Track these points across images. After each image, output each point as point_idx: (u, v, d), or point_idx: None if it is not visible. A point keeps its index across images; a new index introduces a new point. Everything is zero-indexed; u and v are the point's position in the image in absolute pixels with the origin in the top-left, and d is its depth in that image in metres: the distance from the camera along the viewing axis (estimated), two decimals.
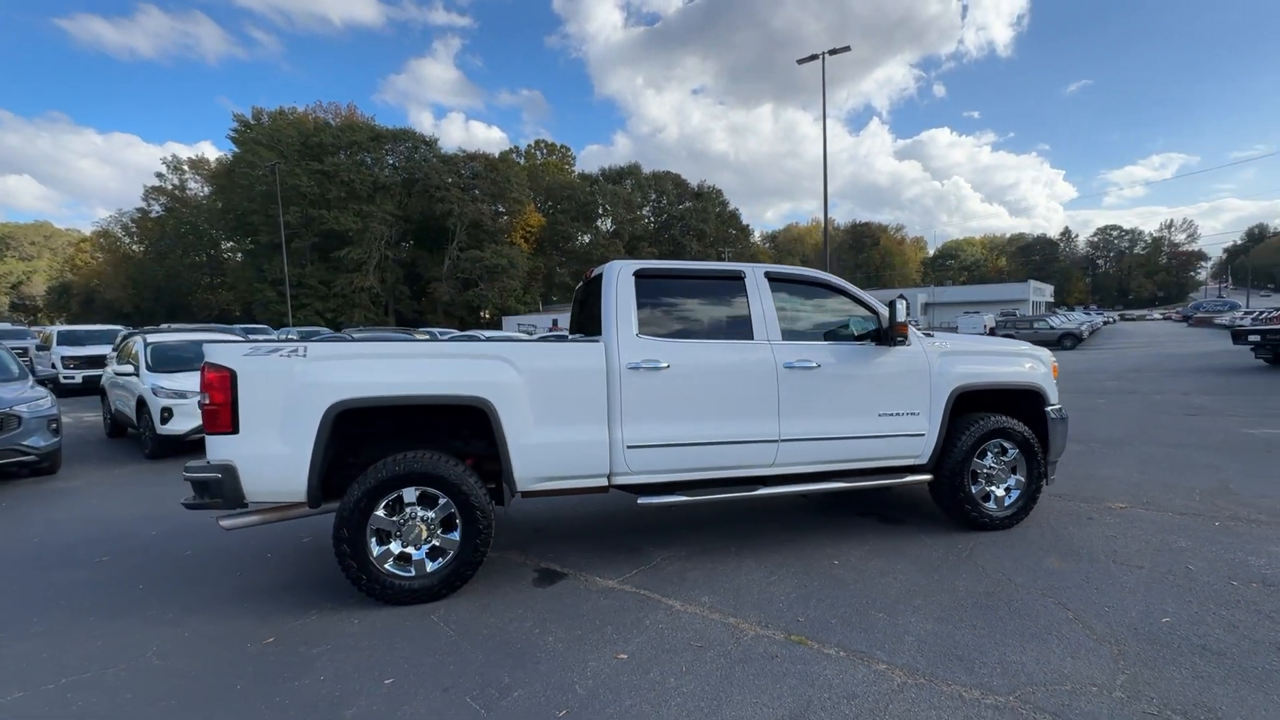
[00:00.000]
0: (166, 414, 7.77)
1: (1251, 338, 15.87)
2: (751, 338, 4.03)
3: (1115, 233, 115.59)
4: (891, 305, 4.07)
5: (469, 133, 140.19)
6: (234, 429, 3.25)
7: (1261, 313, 37.83)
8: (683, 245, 70.14)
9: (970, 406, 4.46)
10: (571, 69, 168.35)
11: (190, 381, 8.18)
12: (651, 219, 71.63)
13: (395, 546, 3.46)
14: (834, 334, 4.29)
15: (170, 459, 8.03)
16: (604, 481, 3.78)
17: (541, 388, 3.61)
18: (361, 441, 3.72)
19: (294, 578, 3.94)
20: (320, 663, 2.86)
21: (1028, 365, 4.61)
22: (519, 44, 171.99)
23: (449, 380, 3.49)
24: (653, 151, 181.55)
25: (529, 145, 73.54)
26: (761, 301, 4.11)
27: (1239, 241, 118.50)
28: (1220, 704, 2.36)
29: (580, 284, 5.09)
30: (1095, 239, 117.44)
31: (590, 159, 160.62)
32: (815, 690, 2.53)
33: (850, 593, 3.46)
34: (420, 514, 3.48)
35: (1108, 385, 13.11)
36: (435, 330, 22.87)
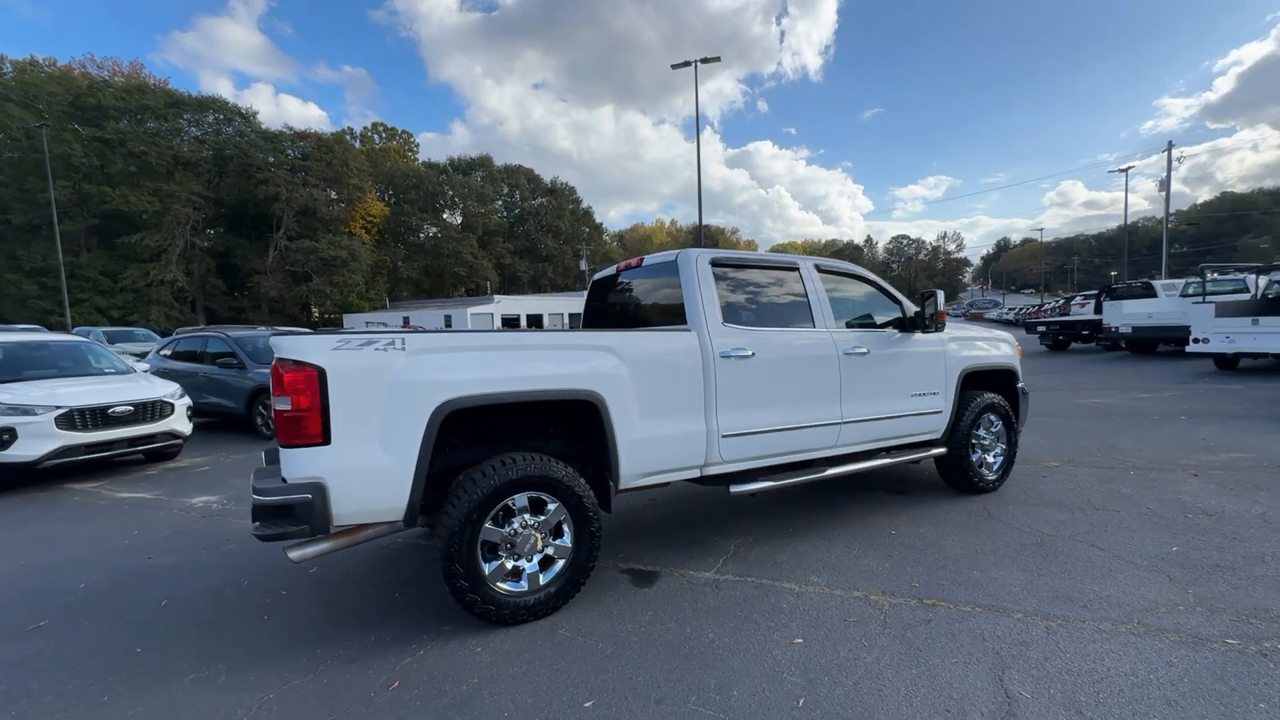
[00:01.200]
0: (7, 436, 6.04)
1: (1040, 328, 19.74)
2: (813, 325, 4.21)
3: (905, 241, 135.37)
4: (934, 296, 4.51)
5: (280, 107, 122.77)
6: (325, 439, 2.70)
7: (1022, 308, 46.81)
8: (537, 242, 69.15)
9: (966, 386, 5.07)
10: (401, 49, 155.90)
11: (36, 393, 6.46)
12: (504, 213, 69.48)
13: (509, 561, 3.11)
14: (855, 323, 4.61)
15: (12, 492, 6.25)
16: (697, 473, 3.72)
17: (645, 378, 3.46)
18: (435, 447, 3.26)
19: (341, 612, 3.35)
20: (484, 698, 2.50)
21: (1005, 348, 5.36)
22: (337, 14, 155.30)
23: (563, 373, 3.21)
24: (494, 144, 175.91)
25: (365, 128, 67.29)
26: (817, 292, 4.32)
27: (991, 251, 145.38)
28: (1269, 604, 3.00)
29: (608, 275, 4.91)
30: (890, 246, 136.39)
31: (427, 148, 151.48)
32: (991, 642, 2.77)
33: (931, 557, 3.79)
34: (531, 522, 3.16)
35: None
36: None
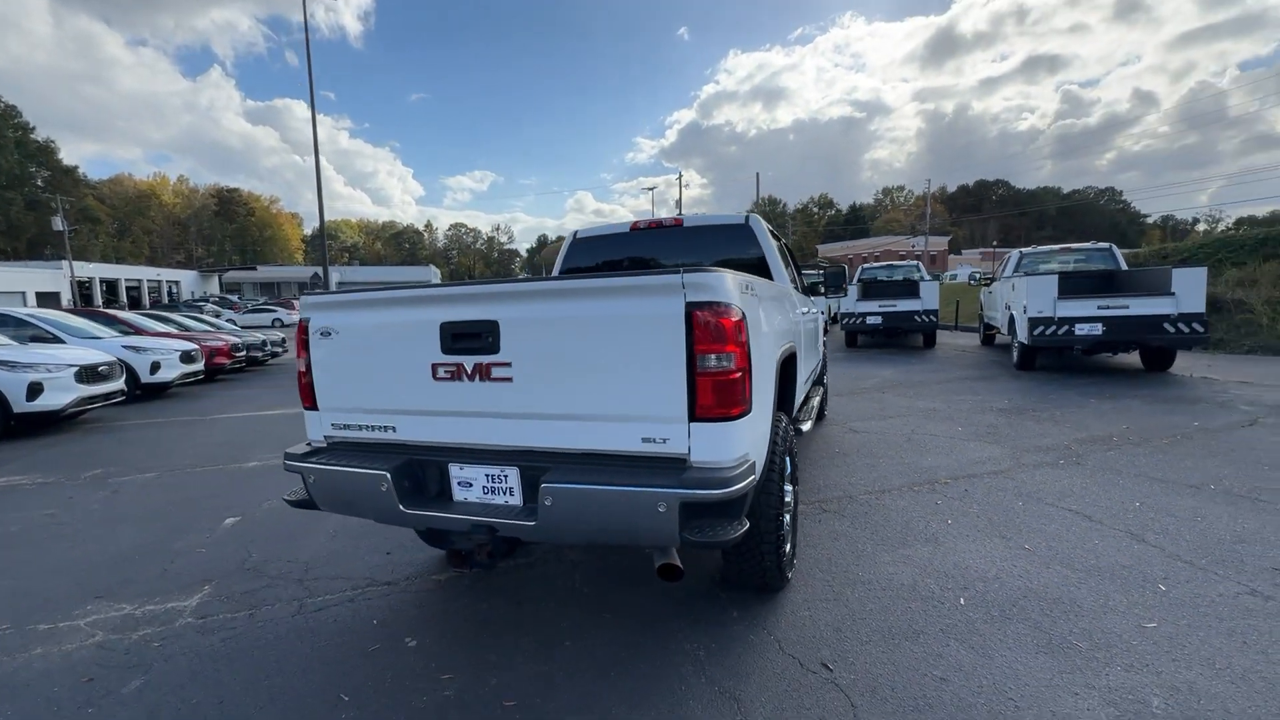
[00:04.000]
0: None
1: None
2: (794, 290, 5.02)
3: (464, 229, 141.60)
4: (842, 269, 5.84)
5: None
6: (749, 406, 2.13)
7: None
8: None
9: None
10: None
11: None
12: None
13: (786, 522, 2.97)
14: None
15: None
16: (793, 412, 4.11)
17: (798, 328, 3.68)
18: None
19: (624, 651, 2.52)
20: (945, 630, 2.55)
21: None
22: None
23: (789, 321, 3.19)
24: None
25: None
26: (787, 263, 5.12)
27: (533, 245, 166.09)
28: (1038, 443, 5.44)
29: (612, 233, 4.54)
30: (450, 233, 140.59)
31: None
32: (1051, 487, 4.25)
33: (891, 458, 5.14)
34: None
35: None
36: None
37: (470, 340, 2.26)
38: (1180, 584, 2.88)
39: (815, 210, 78.08)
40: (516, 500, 2.30)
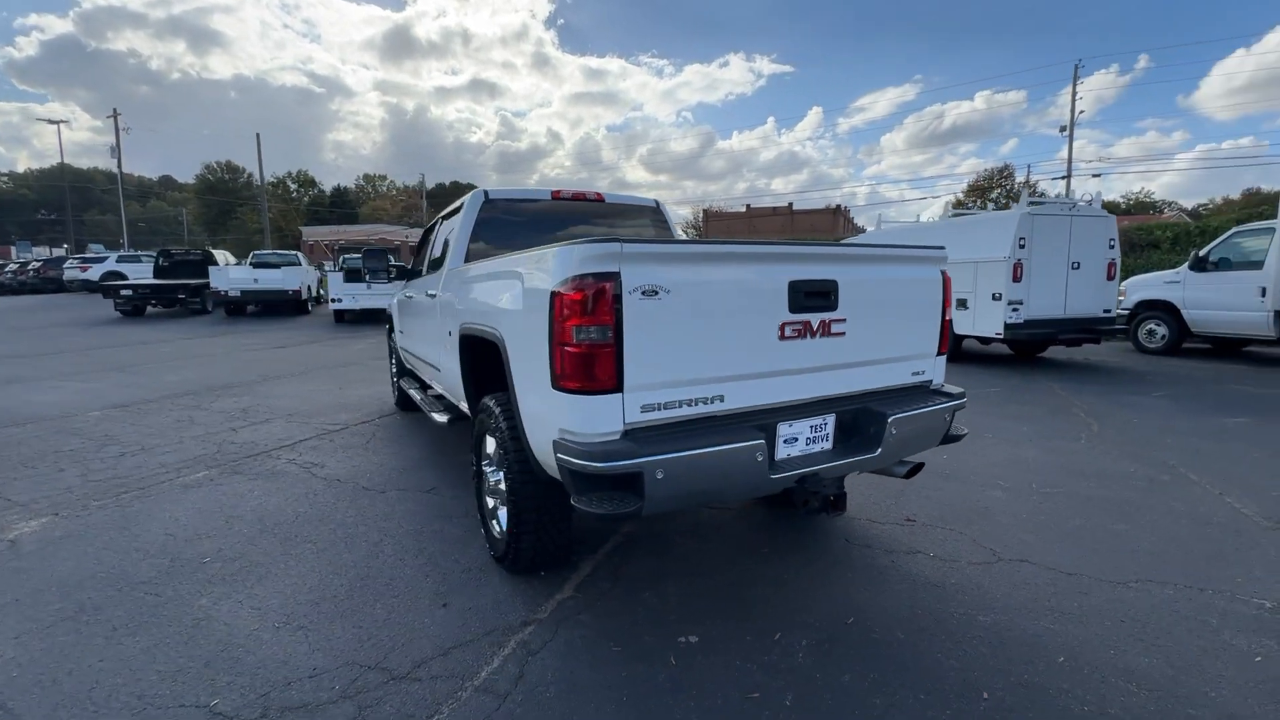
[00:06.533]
0: None
1: (124, 292, 17.78)
2: None
3: None
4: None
5: None
6: None
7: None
8: None
9: None
10: None
11: None
12: None
13: None
14: None
15: None
16: None
17: None
18: None
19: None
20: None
21: None
22: None
23: None
24: None
25: None
26: None
27: None
28: None
29: (533, 198, 4.15)
30: None
31: None
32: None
33: None
34: None
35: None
36: None
37: (818, 298, 2.34)
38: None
39: (295, 187, 69.54)
40: (829, 444, 2.51)
